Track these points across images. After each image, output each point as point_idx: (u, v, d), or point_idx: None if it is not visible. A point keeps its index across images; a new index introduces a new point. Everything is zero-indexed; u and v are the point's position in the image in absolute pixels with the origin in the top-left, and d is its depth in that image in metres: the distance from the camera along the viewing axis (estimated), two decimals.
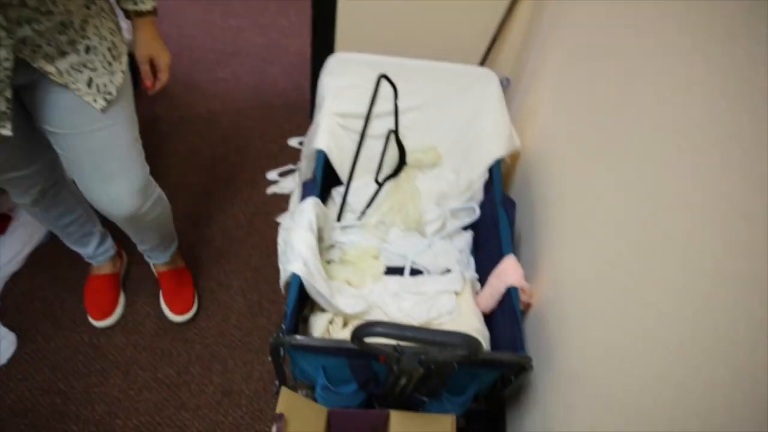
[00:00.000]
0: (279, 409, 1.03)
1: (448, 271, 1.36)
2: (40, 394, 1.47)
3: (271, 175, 1.98)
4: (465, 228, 1.49)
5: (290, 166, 2.02)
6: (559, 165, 1.24)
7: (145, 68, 1.19)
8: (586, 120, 1.11)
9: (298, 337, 1.01)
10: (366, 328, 0.82)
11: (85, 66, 1.01)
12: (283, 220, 1.31)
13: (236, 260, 1.64)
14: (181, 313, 1.61)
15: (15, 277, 1.69)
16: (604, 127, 1.01)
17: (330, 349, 1.03)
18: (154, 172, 1.29)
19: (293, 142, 2.10)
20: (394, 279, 1.35)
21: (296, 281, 1.13)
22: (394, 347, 0.93)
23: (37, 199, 1.31)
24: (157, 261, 1.61)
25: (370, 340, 0.88)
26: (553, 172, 1.26)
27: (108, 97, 1.07)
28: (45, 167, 1.26)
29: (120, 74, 1.08)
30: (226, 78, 2.35)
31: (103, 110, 1.07)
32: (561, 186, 1.20)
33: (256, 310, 1.67)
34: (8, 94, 0.94)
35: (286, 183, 1.93)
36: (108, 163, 1.14)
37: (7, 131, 0.98)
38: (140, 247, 1.54)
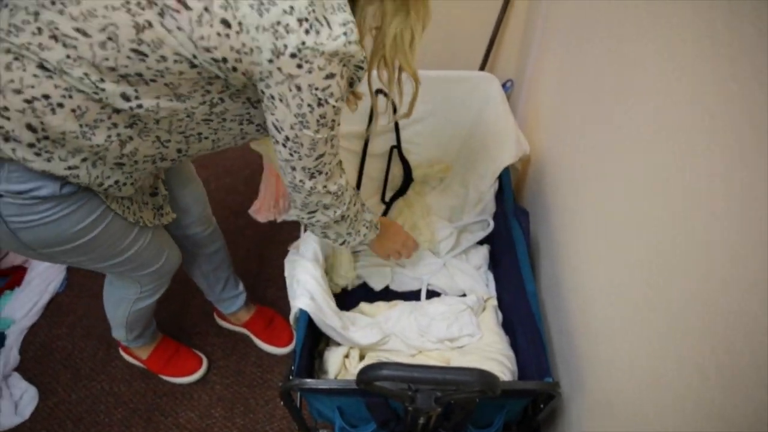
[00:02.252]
0: None
1: (464, 295, 1.29)
2: None
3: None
4: (480, 242, 1.41)
5: None
6: (570, 167, 1.16)
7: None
8: (591, 117, 1.03)
9: (308, 380, 0.95)
10: (371, 372, 0.76)
11: None
12: (291, 249, 1.25)
13: (251, 293, 1.60)
14: (287, 343, 1.59)
15: (33, 329, 1.69)
16: (610, 123, 0.93)
17: (342, 391, 0.96)
18: None
19: None
20: (410, 304, 1.28)
21: (304, 317, 1.08)
22: (408, 386, 0.86)
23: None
24: (233, 307, 1.56)
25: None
26: (565, 175, 1.18)
27: None
28: None
29: None
30: None
31: None
32: (575, 189, 1.12)
33: None
34: (163, 176, 1.01)
35: None
36: (196, 183, 1.26)
37: (172, 215, 1.09)
38: (217, 291, 1.50)
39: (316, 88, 0.72)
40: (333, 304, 1.15)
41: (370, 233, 1.12)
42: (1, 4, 0.71)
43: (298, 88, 0.72)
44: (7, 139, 0.72)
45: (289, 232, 1.90)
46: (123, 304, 1.26)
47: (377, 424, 1.03)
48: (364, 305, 1.28)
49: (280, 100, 0.74)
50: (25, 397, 1.52)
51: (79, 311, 1.72)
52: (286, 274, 1.20)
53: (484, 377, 0.74)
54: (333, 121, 0.79)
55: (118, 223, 0.93)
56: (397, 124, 1.45)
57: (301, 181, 0.87)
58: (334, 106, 0.76)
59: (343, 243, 1.09)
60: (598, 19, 1.01)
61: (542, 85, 1.39)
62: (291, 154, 0.82)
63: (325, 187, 0.90)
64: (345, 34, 0.70)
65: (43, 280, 1.76)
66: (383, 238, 1.19)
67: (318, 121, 0.76)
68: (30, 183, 0.78)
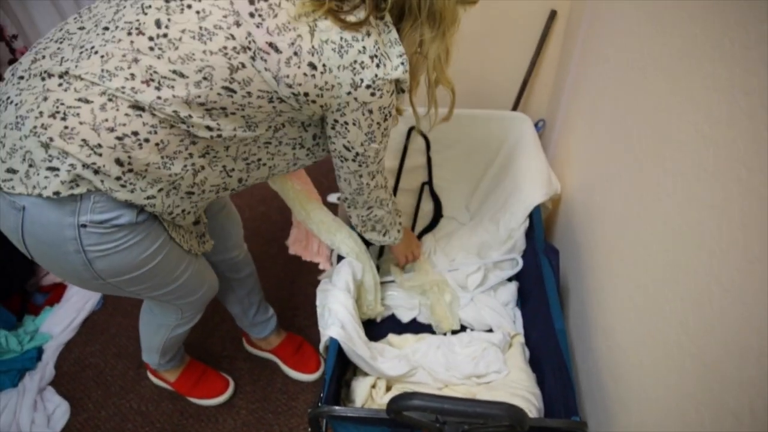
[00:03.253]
0: None
1: (490, 330, 1.30)
2: None
3: None
4: (509, 279, 1.42)
5: None
6: (601, 207, 1.17)
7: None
8: (623, 158, 1.05)
9: (337, 408, 0.97)
10: (401, 401, 0.78)
11: None
12: (323, 279, 1.28)
13: (280, 321, 1.63)
14: (314, 370, 1.61)
15: (69, 345, 1.74)
16: (642, 164, 0.95)
17: (370, 420, 0.98)
18: None
19: (332, 198, 2.10)
20: (437, 338, 1.30)
21: (334, 345, 1.11)
22: (436, 417, 0.87)
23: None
24: (266, 331, 1.59)
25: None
26: (596, 215, 1.20)
27: None
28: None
29: None
30: None
31: None
32: (605, 230, 1.14)
33: None
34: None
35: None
36: (230, 206, 1.36)
37: (211, 243, 1.14)
38: (251, 315, 1.53)
39: (384, 107, 0.86)
40: (363, 334, 1.17)
41: (400, 229, 1.28)
42: (91, 51, 0.78)
43: (370, 112, 0.86)
44: (96, 172, 0.79)
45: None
46: (162, 330, 1.31)
47: None
48: (392, 337, 1.30)
49: (354, 124, 0.88)
50: (58, 412, 1.56)
51: (112, 330, 1.77)
52: (318, 303, 1.22)
53: (514, 412, 0.75)
54: (389, 129, 0.95)
55: (175, 251, 1.00)
56: (429, 161, 1.49)
57: (367, 183, 1.04)
58: (393, 117, 0.92)
59: (385, 234, 1.24)
60: (631, 63, 1.04)
61: (574, 126, 1.41)
62: (360, 165, 0.98)
63: (383, 183, 1.09)
64: (402, 64, 0.83)
65: (81, 298, 1.82)
66: (405, 238, 1.34)
67: (383, 133, 0.92)
68: (112, 212, 0.84)
